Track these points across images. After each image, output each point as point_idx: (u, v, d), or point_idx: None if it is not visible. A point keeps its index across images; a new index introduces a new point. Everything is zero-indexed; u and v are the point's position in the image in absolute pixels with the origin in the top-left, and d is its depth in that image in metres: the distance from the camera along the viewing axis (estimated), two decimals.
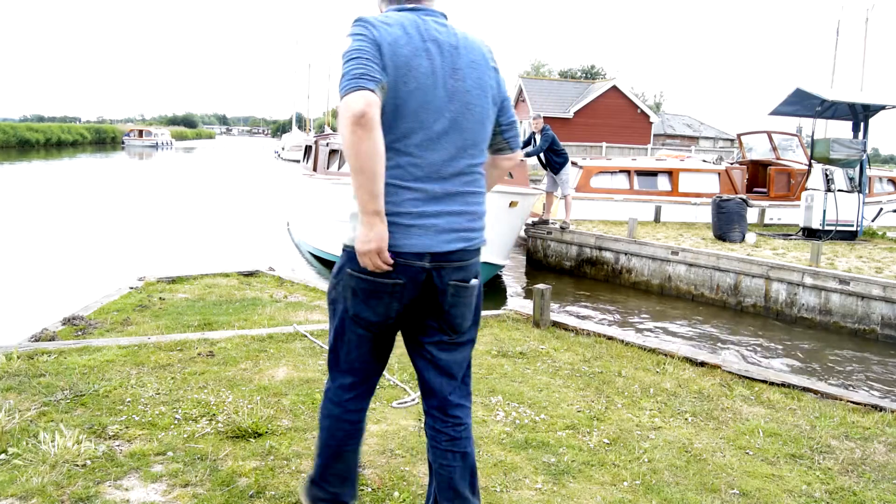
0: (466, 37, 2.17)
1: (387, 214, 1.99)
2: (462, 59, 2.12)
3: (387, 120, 1.99)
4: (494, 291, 11.52)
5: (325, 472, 2.35)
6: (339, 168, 12.21)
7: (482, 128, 2.19)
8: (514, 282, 12.38)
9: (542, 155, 12.02)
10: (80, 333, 5.22)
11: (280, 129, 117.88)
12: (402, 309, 2.14)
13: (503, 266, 11.53)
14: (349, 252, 2.10)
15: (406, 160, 2.04)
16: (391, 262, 2.00)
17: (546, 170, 12.37)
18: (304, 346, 4.78)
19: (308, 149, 15.76)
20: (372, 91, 1.87)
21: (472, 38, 2.19)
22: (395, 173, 2.03)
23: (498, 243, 10.06)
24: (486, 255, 9.75)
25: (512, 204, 9.76)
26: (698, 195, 14.72)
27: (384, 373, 4.16)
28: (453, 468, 2.30)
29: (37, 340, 4.81)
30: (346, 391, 2.28)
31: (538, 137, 11.82)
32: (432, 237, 2.07)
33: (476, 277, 2.23)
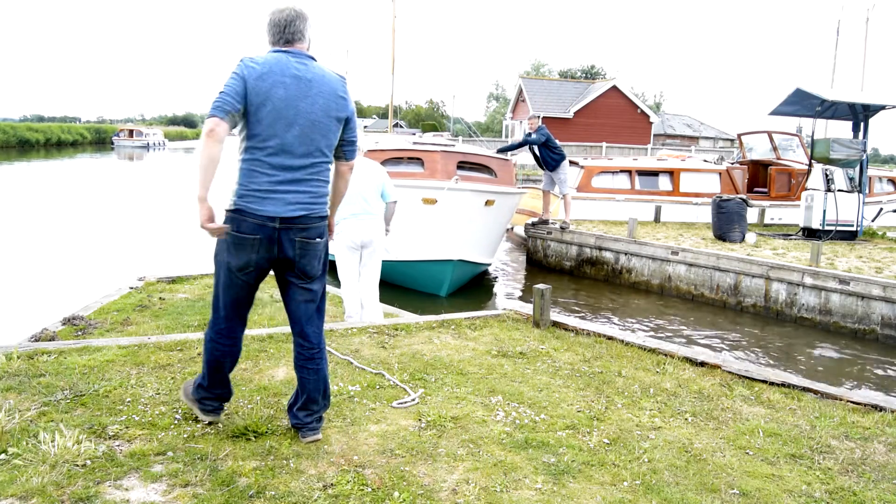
0: (323, 73, 3.11)
1: (250, 190, 3.00)
2: (313, 89, 3.05)
3: (252, 129, 2.98)
4: (482, 290, 11.52)
5: (209, 379, 3.29)
6: None
7: (324, 139, 3.11)
8: (514, 282, 12.38)
9: (536, 152, 12.02)
10: (80, 333, 5.22)
11: None
12: (263, 260, 3.06)
13: (487, 265, 11.51)
14: (227, 215, 3.03)
15: (264, 155, 3.00)
16: (224, 227, 2.99)
17: (542, 168, 12.37)
18: None
19: None
20: (222, 119, 2.87)
21: (328, 75, 3.13)
22: (255, 164, 3.01)
23: (477, 242, 10.03)
24: (465, 254, 9.78)
25: (488, 203, 9.77)
26: (699, 195, 14.72)
27: (384, 373, 4.19)
28: (308, 379, 3.26)
29: (37, 340, 4.81)
30: (223, 322, 3.21)
31: (534, 136, 11.87)
32: (281, 206, 3.02)
33: (320, 237, 3.17)
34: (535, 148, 11.96)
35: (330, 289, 7.30)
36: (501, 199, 10.08)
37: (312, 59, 3.11)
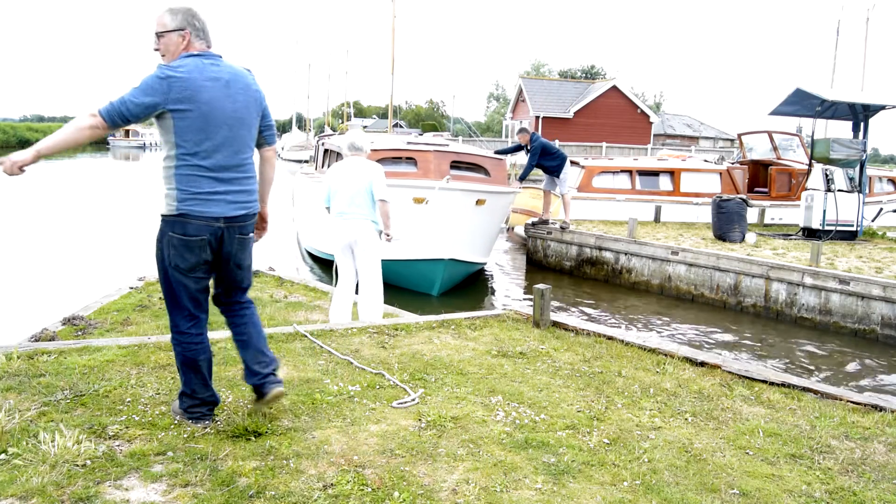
0: (234, 70, 3.23)
1: (192, 195, 3.10)
2: (233, 87, 3.16)
3: (182, 137, 3.07)
4: (482, 290, 11.52)
5: (189, 384, 3.33)
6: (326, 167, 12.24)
7: (250, 134, 3.28)
8: (514, 282, 12.38)
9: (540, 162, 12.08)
10: (80, 333, 5.22)
11: (280, 129, 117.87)
12: (210, 257, 3.21)
13: (481, 264, 11.50)
14: (167, 220, 3.17)
15: (199, 160, 3.10)
16: (18, 172, 2.94)
17: (546, 174, 12.39)
18: (304, 346, 4.78)
19: (316, 150, 15.84)
20: (112, 126, 2.98)
21: (238, 70, 3.26)
22: (193, 169, 3.10)
23: (469, 241, 10.05)
24: (456, 253, 9.81)
25: (479, 202, 9.80)
26: (700, 195, 14.71)
27: (384, 373, 4.20)
28: (250, 334, 3.46)
29: (37, 340, 4.81)
30: (186, 321, 3.28)
31: (530, 158, 11.96)
32: (224, 206, 3.17)
33: (252, 232, 3.39)
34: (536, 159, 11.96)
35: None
36: (493, 199, 10.10)
37: (220, 57, 3.23)
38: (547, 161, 11.99)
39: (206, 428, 3.33)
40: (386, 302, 6.93)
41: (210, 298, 3.41)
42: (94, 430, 3.24)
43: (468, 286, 11.80)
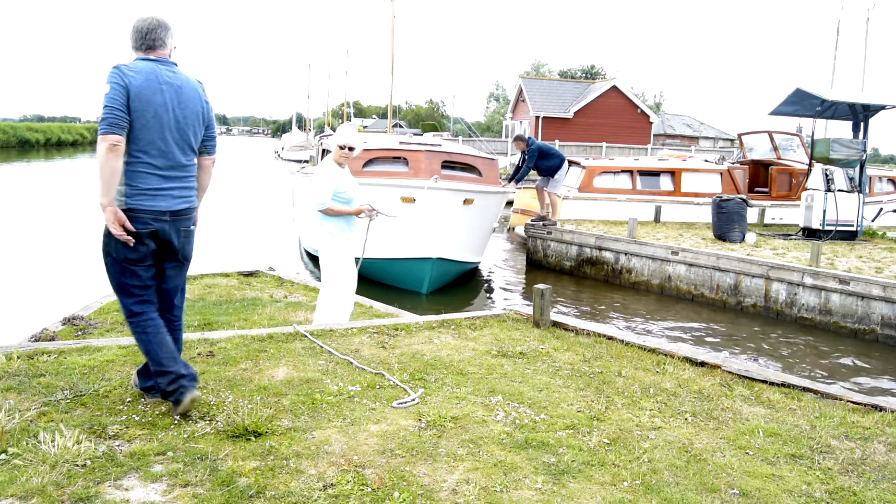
0: (187, 79, 3.51)
1: (140, 190, 3.36)
2: (184, 95, 3.45)
3: (135, 136, 3.31)
4: (482, 290, 11.52)
5: (160, 360, 3.44)
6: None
7: (195, 139, 3.57)
8: (514, 282, 12.38)
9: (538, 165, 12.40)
10: (80, 333, 5.22)
11: (280, 129, 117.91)
12: (156, 247, 3.47)
13: (473, 263, 11.53)
14: (129, 219, 3.36)
15: (150, 158, 3.37)
16: (129, 225, 3.33)
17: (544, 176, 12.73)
18: (304, 346, 4.78)
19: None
20: (121, 135, 3.23)
21: (190, 80, 3.53)
22: (143, 166, 3.36)
23: (458, 240, 10.09)
24: (445, 252, 9.89)
25: (466, 202, 9.84)
26: (701, 195, 14.71)
27: (384, 373, 4.19)
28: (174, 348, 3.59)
29: (37, 340, 4.81)
30: (140, 305, 3.51)
31: (528, 162, 12.33)
32: (170, 201, 3.46)
33: (194, 225, 3.66)
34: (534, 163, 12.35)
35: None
36: (482, 198, 10.13)
37: (176, 65, 3.51)
38: (545, 162, 12.26)
39: (206, 427, 3.33)
40: (381, 301, 6.92)
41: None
42: (94, 430, 3.24)
43: (468, 286, 11.80)
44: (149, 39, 3.43)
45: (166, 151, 3.41)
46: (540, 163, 12.25)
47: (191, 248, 3.69)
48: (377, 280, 10.53)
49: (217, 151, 3.78)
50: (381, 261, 10.12)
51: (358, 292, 5.98)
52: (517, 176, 12.82)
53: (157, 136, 3.36)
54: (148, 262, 3.50)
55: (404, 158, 10.66)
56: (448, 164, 10.70)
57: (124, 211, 3.35)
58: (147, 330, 3.48)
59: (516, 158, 13.20)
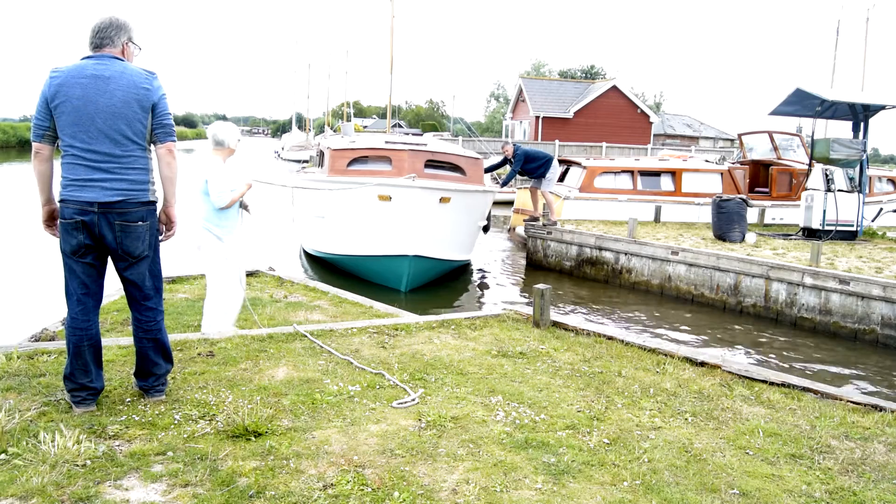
0: (123, 70, 3.45)
1: (71, 181, 3.40)
2: (111, 84, 3.40)
3: (62, 130, 3.39)
4: (482, 290, 11.52)
5: (72, 368, 3.49)
6: (322, 167, 12.38)
7: (129, 127, 3.44)
8: (514, 282, 12.38)
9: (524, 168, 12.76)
10: None
11: (280, 129, 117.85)
12: (90, 240, 3.43)
13: (459, 262, 11.51)
14: (59, 209, 3.46)
15: (77, 149, 3.38)
16: (54, 226, 3.52)
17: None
18: (304, 346, 4.78)
19: None
20: (41, 142, 3.43)
21: (129, 70, 3.47)
22: (73, 158, 3.40)
23: (437, 238, 10.12)
24: (422, 250, 9.96)
25: (443, 200, 9.86)
26: (701, 195, 14.71)
27: (384, 373, 4.19)
28: (148, 348, 3.63)
29: (37, 340, 4.81)
30: (75, 306, 3.48)
31: (514, 167, 12.69)
32: (98, 192, 3.40)
33: (142, 221, 3.51)
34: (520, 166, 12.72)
35: (340, 292, 7.29)
36: (460, 197, 10.15)
37: (117, 59, 3.50)
38: (531, 166, 12.63)
39: (206, 427, 3.33)
40: (365, 295, 6.90)
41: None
42: (94, 430, 3.24)
43: (468, 286, 11.80)
44: (97, 38, 3.51)
45: (91, 142, 3.39)
46: (526, 166, 12.62)
47: (137, 245, 3.52)
48: (359, 277, 10.72)
49: (173, 140, 3.62)
50: (361, 258, 10.40)
51: (347, 288, 5.97)
52: (503, 181, 13.54)
53: (80, 129, 3.38)
54: (84, 258, 3.46)
55: (388, 158, 10.76)
56: (432, 164, 10.81)
57: (59, 201, 3.45)
58: (69, 336, 3.49)
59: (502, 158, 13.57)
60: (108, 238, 3.45)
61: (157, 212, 3.70)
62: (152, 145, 3.60)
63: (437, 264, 10.59)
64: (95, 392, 3.54)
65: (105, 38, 3.51)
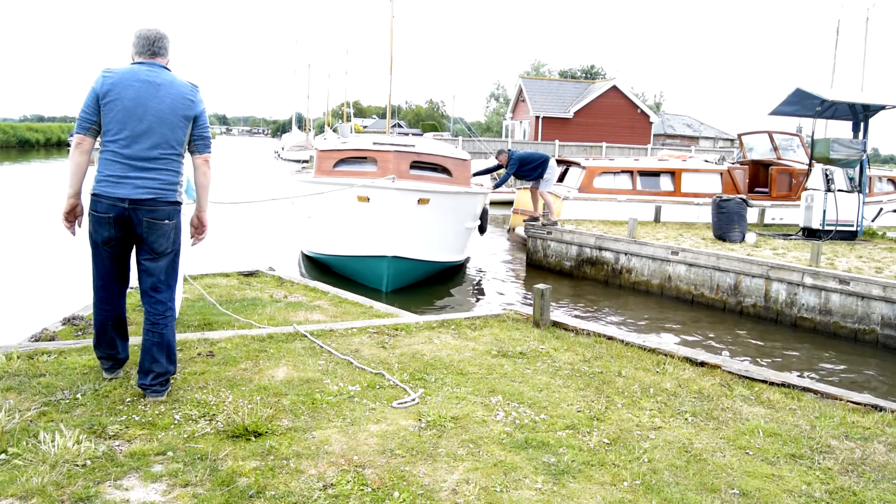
0: (172, 80, 3.69)
1: (105, 176, 3.58)
2: (161, 91, 3.62)
3: (106, 127, 3.57)
4: (481, 290, 11.52)
5: (98, 340, 3.84)
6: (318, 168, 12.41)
7: (172, 133, 3.66)
8: (514, 282, 12.38)
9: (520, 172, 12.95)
10: (80, 333, 5.22)
11: (280, 129, 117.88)
12: (120, 233, 3.63)
13: (450, 263, 11.48)
14: (91, 198, 3.63)
15: (117, 147, 3.57)
16: (73, 221, 3.78)
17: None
18: (304, 346, 4.78)
19: None
20: (85, 134, 3.58)
21: (178, 81, 3.72)
22: (110, 154, 3.57)
23: (418, 239, 10.14)
24: (402, 251, 10.03)
25: (421, 201, 9.87)
26: (701, 195, 14.71)
27: (384, 373, 4.19)
28: (152, 342, 3.69)
29: (37, 340, 4.81)
30: (100, 291, 3.75)
31: (508, 171, 12.93)
32: (130, 190, 3.57)
33: (168, 220, 3.68)
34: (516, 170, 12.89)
35: (340, 292, 7.29)
36: (440, 198, 10.15)
37: (166, 69, 3.75)
38: (526, 168, 12.75)
39: (206, 427, 3.33)
40: (364, 295, 6.88)
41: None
42: (94, 430, 3.24)
43: (468, 287, 11.81)
44: (154, 47, 3.73)
45: (132, 142, 3.56)
46: (521, 170, 12.72)
47: (162, 242, 3.70)
48: (343, 276, 10.82)
49: (210, 152, 3.85)
50: (344, 258, 10.56)
51: (347, 288, 5.96)
52: (496, 184, 13.85)
53: (125, 127, 3.55)
54: (113, 249, 3.68)
55: (374, 159, 10.80)
56: (417, 165, 10.84)
57: (92, 195, 3.62)
58: (96, 316, 3.79)
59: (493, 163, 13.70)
60: (140, 232, 3.64)
61: (191, 216, 3.94)
62: (187, 153, 3.81)
63: (420, 265, 10.59)
64: (121, 362, 3.93)
65: (161, 48, 3.74)
